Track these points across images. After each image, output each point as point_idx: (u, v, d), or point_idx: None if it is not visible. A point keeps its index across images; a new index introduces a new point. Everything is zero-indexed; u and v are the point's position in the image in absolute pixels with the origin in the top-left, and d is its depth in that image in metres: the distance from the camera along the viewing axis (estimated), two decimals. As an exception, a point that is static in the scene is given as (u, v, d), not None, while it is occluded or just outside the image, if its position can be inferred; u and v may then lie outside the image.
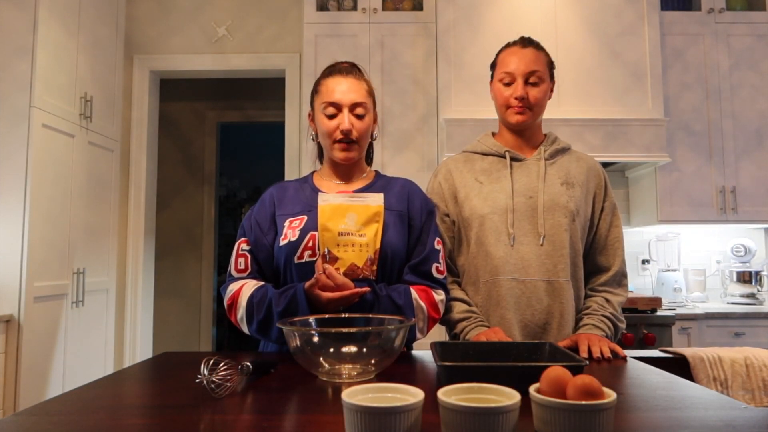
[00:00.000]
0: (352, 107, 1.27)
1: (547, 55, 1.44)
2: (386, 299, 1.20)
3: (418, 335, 1.25)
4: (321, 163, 1.43)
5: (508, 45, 1.46)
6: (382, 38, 3.06)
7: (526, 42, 1.43)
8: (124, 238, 3.41)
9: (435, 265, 1.29)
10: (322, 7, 3.15)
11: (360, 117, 1.28)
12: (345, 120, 1.26)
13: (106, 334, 3.18)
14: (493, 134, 1.53)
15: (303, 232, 1.24)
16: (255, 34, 3.48)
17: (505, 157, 1.45)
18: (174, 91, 4.70)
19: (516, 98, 1.39)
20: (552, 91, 1.46)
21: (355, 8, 3.12)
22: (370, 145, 1.42)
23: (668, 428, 0.68)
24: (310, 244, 1.23)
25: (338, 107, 1.27)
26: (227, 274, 1.32)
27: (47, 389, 2.59)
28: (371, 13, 3.06)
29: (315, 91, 1.34)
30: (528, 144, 1.47)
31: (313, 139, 1.39)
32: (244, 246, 1.31)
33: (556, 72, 1.50)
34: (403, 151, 3.02)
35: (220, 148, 4.99)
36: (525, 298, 1.36)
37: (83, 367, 2.91)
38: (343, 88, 1.27)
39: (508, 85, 1.41)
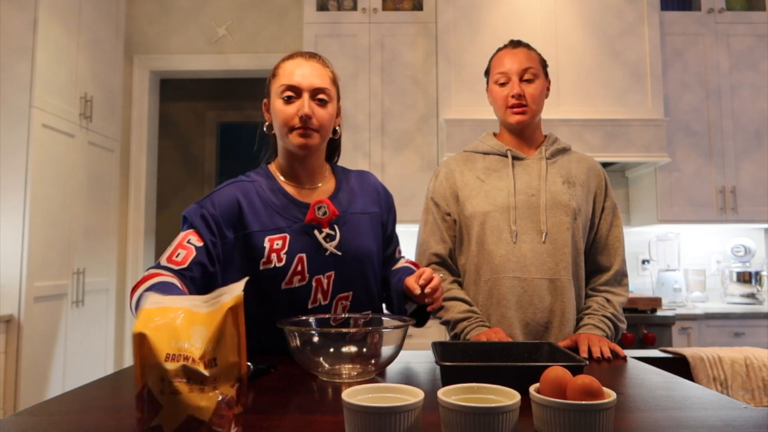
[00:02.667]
0: (314, 92, 1.14)
1: (538, 54, 1.47)
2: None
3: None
4: (267, 158, 1.30)
5: (500, 49, 1.48)
6: (382, 38, 3.06)
7: (516, 43, 1.47)
8: (124, 238, 3.41)
9: (398, 248, 1.36)
10: (322, 7, 3.15)
11: (322, 103, 1.15)
12: (305, 105, 1.12)
13: (106, 334, 3.18)
14: (494, 135, 1.53)
15: (289, 256, 1.13)
16: (255, 34, 3.48)
17: (506, 156, 1.46)
18: (174, 91, 4.71)
19: (513, 96, 1.40)
20: (548, 89, 1.47)
21: (355, 8, 3.12)
22: (338, 141, 1.31)
23: (668, 428, 0.68)
24: (299, 269, 1.14)
25: (297, 91, 1.14)
26: (155, 261, 1.11)
27: (47, 389, 2.59)
28: (371, 13, 3.06)
29: (272, 75, 1.19)
30: (528, 144, 1.48)
31: (267, 130, 1.23)
32: (194, 240, 1.10)
33: (555, 72, 1.52)
34: (402, 151, 3.01)
35: (220, 148, 4.99)
36: (527, 297, 1.36)
37: (83, 367, 2.91)
38: (304, 71, 1.15)
39: (503, 84, 1.43)
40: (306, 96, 1.14)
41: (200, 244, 1.09)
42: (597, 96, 2.86)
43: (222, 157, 5.77)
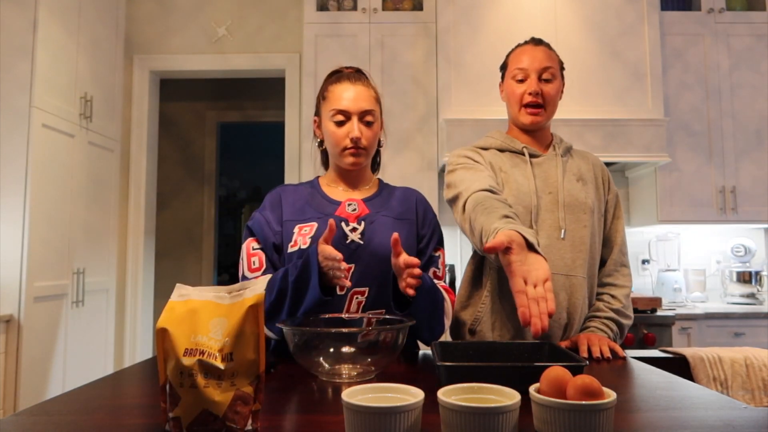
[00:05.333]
0: (362, 115, 1.26)
1: (557, 55, 1.44)
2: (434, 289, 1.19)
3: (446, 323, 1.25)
4: (325, 169, 1.41)
5: (520, 45, 1.45)
6: (382, 38, 3.06)
7: (537, 41, 1.43)
8: (124, 238, 3.41)
9: (432, 269, 1.30)
10: (322, 7, 3.15)
11: (369, 124, 1.27)
12: (354, 128, 1.25)
13: (106, 334, 3.18)
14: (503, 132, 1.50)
15: (314, 240, 1.22)
16: (255, 34, 3.48)
17: (523, 154, 1.42)
18: (174, 91, 4.71)
19: (530, 93, 1.36)
20: (562, 92, 1.44)
21: (355, 8, 3.12)
22: (378, 152, 1.41)
23: (668, 428, 0.68)
24: (309, 250, 1.20)
25: (347, 115, 1.26)
26: (240, 278, 1.26)
27: (47, 389, 2.59)
28: (371, 13, 3.06)
29: (322, 97, 1.32)
30: (539, 143, 1.45)
31: (318, 146, 1.37)
32: (255, 245, 1.27)
33: (558, 72, 1.49)
34: (403, 152, 3.02)
35: (220, 148, 4.99)
36: None
37: (83, 367, 2.91)
38: (351, 95, 1.26)
39: (521, 81, 1.39)
40: (355, 119, 1.26)
41: (259, 246, 1.27)
42: (597, 96, 2.86)
43: (222, 157, 5.76)
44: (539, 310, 0.91)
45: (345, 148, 1.26)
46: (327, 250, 1.08)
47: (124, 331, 3.37)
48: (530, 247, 1.01)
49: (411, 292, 1.07)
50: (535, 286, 0.94)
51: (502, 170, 1.40)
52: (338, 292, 1.19)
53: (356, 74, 1.32)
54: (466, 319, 1.41)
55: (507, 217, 1.12)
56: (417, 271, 1.07)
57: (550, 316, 0.90)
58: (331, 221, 1.11)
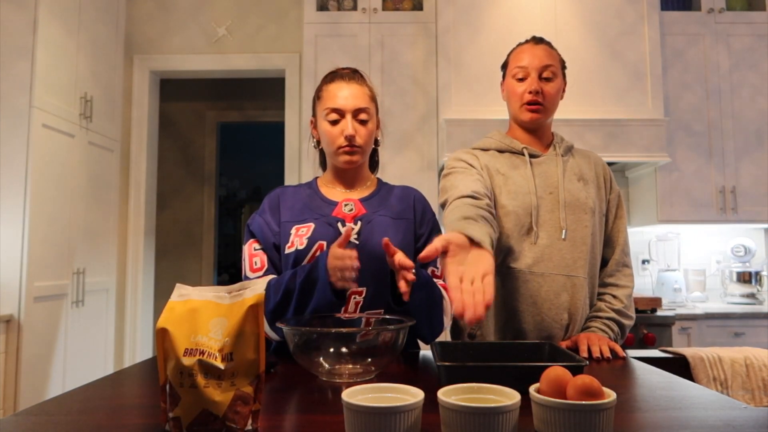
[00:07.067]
0: (356, 113, 1.26)
1: (558, 54, 1.43)
2: (432, 285, 1.19)
3: (446, 323, 1.24)
4: (323, 169, 1.41)
5: (521, 43, 1.44)
6: (382, 38, 3.06)
7: (538, 40, 1.43)
8: (124, 238, 3.41)
9: (431, 268, 1.29)
10: (322, 7, 3.15)
11: (363, 123, 1.27)
12: (348, 126, 1.24)
13: (106, 334, 3.18)
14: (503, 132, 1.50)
15: (311, 241, 1.22)
16: (255, 34, 3.48)
17: (523, 154, 1.42)
18: (174, 91, 4.71)
19: (530, 92, 1.36)
20: (564, 91, 1.44)
21: (355, 8, 3.12)
22: (376, 151, 1.41)
23: (668, 428, 0.68)
24: (318, 254, 1.20)
25: (341, 113, 1.26)
26: (242, 277, 1.26)
27: (47, 389, 2.59)
28: (371, 13, 3.06)
29: (317, 97, 1.32)
30: (540, 142, 1.45)
31: (315, 146, 1.37)
32: (257, 246, 1.28)
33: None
34: (402, 151, 3.01)
35: (220, 148, 4.99)
36: (543, 292, 1.33)
37: (83, 367, 2.91)
38: (345, 94, 1.26)
39: (521, 80, 1.38)
40: (349, 117, 1.26)
41: (261, 246, 1.27)
42: (597, 96, 2.86)
43: (222, 157, 5.76)
44: (474, 300, 0.89)
45: (340, 147, 1.26)
46: (339, 250, 1.10)
47: (124, 331, 3.37)
48: (477, 244, 1.00)
49: (405, 297, 1.04)
50: (472, 283, 0.92)
51: (500, 172, 1.40)
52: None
53: (351, 74, 1.31)
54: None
55: (467, 218, 1.11)
56: (410, 276, 1.03)
57: (487, 307, 0.89)
58: (347, 229, 1.12)
